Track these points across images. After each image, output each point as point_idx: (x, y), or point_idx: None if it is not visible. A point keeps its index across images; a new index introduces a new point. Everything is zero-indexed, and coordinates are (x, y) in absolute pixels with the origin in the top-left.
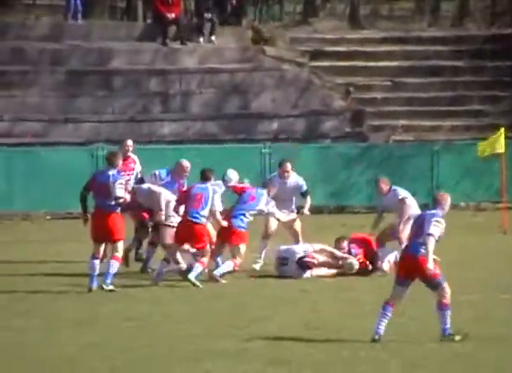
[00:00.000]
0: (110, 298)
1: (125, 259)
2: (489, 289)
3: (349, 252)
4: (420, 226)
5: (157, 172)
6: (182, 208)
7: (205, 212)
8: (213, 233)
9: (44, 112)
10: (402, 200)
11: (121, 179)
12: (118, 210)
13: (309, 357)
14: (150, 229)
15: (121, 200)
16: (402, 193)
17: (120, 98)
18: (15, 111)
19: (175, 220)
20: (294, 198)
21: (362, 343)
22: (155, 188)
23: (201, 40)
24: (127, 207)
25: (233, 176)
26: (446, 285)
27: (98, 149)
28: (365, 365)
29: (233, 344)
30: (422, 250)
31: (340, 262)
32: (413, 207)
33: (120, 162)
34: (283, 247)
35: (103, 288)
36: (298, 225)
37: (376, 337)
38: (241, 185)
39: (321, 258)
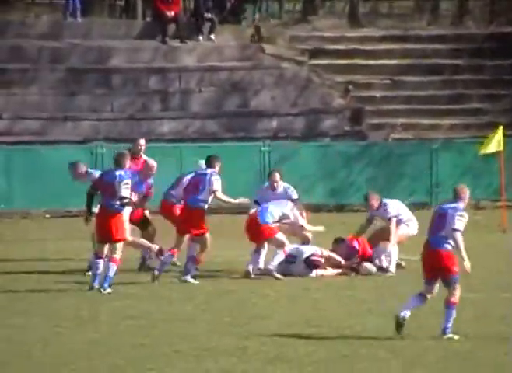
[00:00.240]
0: (110, 297)
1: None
2: (489, 287)
3: (353, 249)
4: (442, 220)
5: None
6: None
7: (204, 196)
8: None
9: (44, 110)
10: (390, 221)
11: (128, 179)
12: (123, 211)
13: (309, 354)
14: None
15: (126, 201)
16: (392, 209)
17: (119, 96)
18: (14, 109)
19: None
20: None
21: (363, 341)
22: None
23: (201, 38)
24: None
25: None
26: (458, 285)
27: (97, 147)
28: (365, 363)
29: (234, 342)
30: (445, 244)
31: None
32: (404, 217)
33: (128, 163)
34: (290, 246)
35: (100, 291)
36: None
37: (400, 320)
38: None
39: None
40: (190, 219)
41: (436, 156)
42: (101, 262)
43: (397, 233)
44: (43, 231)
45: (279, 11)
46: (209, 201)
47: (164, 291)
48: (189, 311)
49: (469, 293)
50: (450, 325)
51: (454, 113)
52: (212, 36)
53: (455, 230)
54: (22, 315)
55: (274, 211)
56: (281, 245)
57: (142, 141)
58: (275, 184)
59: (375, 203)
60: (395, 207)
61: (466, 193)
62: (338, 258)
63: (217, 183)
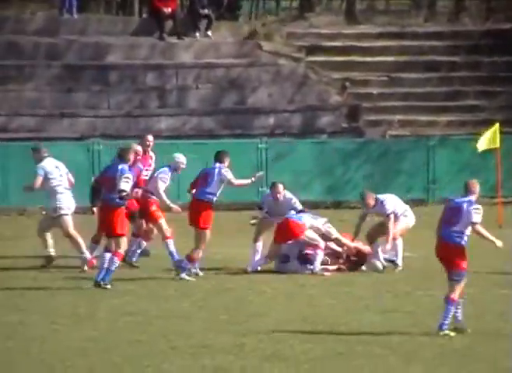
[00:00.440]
0: (108, 294)
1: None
2: (487, 284)
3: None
4: (455, 214)
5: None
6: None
7: (211, 189)
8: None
9: (40, 107)
10: (388, 217)
11: (129, 174)
12: (123, 205)
13: (306, 352)
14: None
15: (124, 194)
16: (389, 205)
17: (116, 93)
18: (10, 106)
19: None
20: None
21: (359, 338)
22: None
23: (198, 34)
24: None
25: (182, 159)
26: (463, 283)
27: (94, 144)
28: (361, 360)
29: (231, 339)
30: (457, 238)
31: (351, 258)
32: (400, 210)
33: (132, 158)
34: (284, 245)
35: (99, 285)
36: None
37: (458, 326)
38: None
39: (322, 242)
40: (197, 212)
41: (433, 153)
42: (108, 255)
43: (396, 228)
44: None
45: (276, 8)
46: (217, 194)
47: (161, 288)
48: (186, 309)
49: (467, 289)
50: (447, 321)
51: (451, 109)
52: (209, 33)
53: (474, 223)
54: (20, 312)
55: (306, 219)
56: (313, 240)
57: (151, 138)
58: (278, 195)
59: (371, 201)
60: (392, 202)
61: (477, 187)
62: (345, 240)
63: (228, 173)
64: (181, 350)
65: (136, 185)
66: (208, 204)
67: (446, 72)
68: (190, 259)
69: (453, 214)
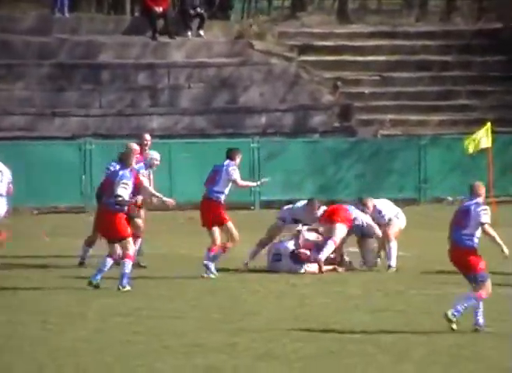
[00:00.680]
0: (101, 293)
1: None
2: None
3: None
4: (465, 217)
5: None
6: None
7: (219, 187)
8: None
9: (31, 106)
10: (388, 224)
11: (128, 180)
12: (123, 211)
13: (298, 350)
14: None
15: (120, 199)
16: (388, 212)
17: (108, 92)
18: (1, 105)
19: None
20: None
21: (351, 337)
22: None
23: (190, 34)
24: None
25: (156, 156)
26: (489, 283)
27: (86, 143)
28: (353, 358)
29: (223, 339)
30: (468, 242)
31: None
32: (392, 213)
33: (134, 162)
34: (276, 243)
35: (91, 283)
36: None
37: (477, 327)
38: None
39: (312, 236)
40: (208, 211)
41: (425, 152)
42: (109, 260)
43: (390, 232)
44: (31, 227)
45: (268, 7)
46: (226, 192)
47: (154, 287)
48: (179, 308)
49: (463, 288)
50: (460, 312)
51: (443, 109)
52: (201, 32)
53: (483, 223)
54: (11, 311)
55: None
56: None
57: (148, 137)
58: (314, 212)
59: (371, 204)
60: (387, 210)
61: (483, 190)
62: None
63: (235, 173)
64: (174, 349)
65: (136, 188)
66: (217, 203)
67: (437, 72)
68: (223, 249)
69: (463, 217)
